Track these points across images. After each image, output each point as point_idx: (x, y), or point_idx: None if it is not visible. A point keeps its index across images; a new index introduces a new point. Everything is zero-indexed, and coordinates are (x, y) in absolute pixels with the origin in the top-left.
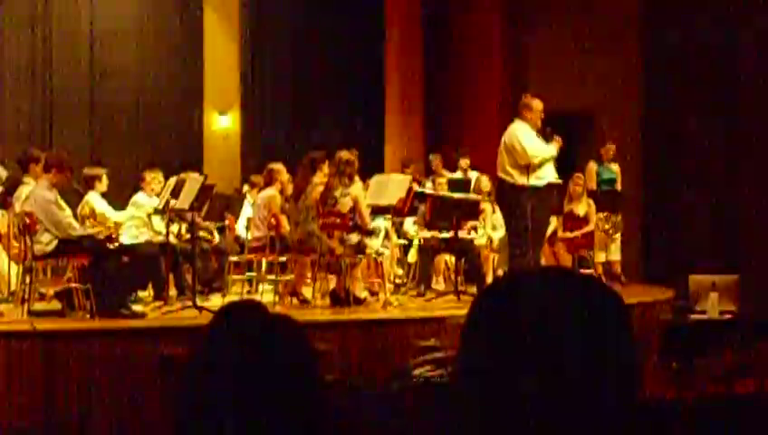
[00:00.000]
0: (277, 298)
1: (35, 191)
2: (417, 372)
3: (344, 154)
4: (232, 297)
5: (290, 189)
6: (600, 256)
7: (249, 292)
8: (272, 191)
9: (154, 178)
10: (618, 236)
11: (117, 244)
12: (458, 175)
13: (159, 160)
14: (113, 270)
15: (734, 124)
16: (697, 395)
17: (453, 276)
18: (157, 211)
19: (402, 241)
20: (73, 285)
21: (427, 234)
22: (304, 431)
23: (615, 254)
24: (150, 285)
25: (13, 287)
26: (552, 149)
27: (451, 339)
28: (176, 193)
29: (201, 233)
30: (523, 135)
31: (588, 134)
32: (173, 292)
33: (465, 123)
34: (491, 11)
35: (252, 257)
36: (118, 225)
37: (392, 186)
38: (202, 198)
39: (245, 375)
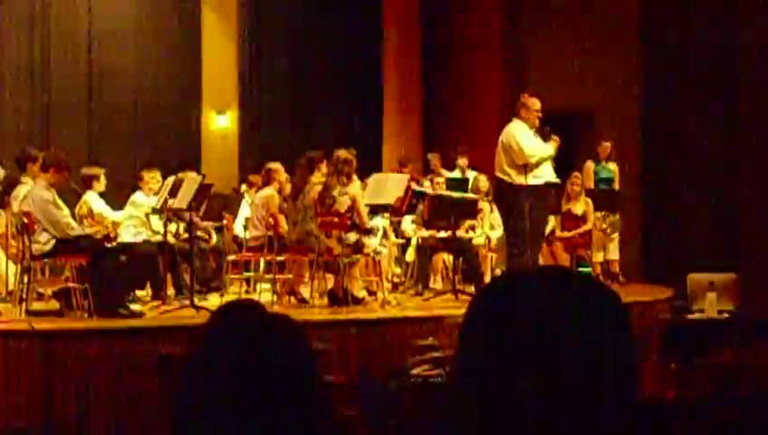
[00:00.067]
0: (275, 298)
1: (33, 191)
2: (415, 371)
3: (342, 153)
4: (230, 297)
5: (288, 189)
6: (598, 256)
7: (247, 291)
8: (270, 191)
9: (152, 177)
10: (616, 235)
11: (115, 243)
12: (456, 174)
13: (157, 160)
14: (111, 270)
15: (733, 124)
16: (696, 395)
17: (451, 276)
18: (155, 211)
19: (400, 240)
20: (71, 284)
21: (425, 233)
22: (303, 431)
23: (613, 253)
24: (148, 285)
25: (11, 287)
26: (549, 148)
27: (449, 338)
28: (174, 193)
29: (199, 232)
30: (520, 135)
31: (587, 134)
32: (171, 291)
33: (463, 123)
34: (490, 10)
35: (250, 257)
36: (116, 224)
37: (390, 185)
38: (200, 197)
39: (243, 375)
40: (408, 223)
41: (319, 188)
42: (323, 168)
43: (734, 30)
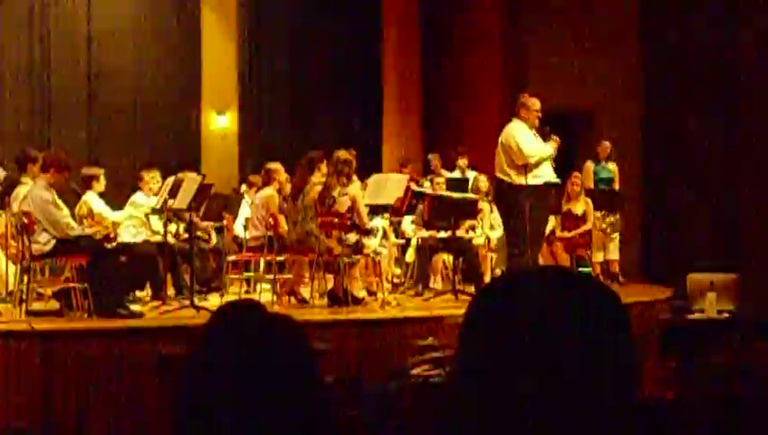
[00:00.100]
0: (275, 298)
1: (33, 191)
2: (415, 371)
3: (342, 154)
4: (230, 297)
5: (288, 189)
6: (598, 256)
7: (247, 291)
8: (270, 191)
9: (152, 177)
10: (616, 235)
11: (115, 244)
12: (456, 174)
13: (157, 160)
14: (111, 270)
15: (733, 124)
16: (696, 395)
17: (451, 276)
18: (155, 211)
19: (400, 241)
20: (71, 284)
21: (425, 233)
22: (303, 431)
23: (613, 253)
24: (148, 285)
25: (11, 287)
26: (549, 148)
27: (449, 338)
28: (173, 193)
29: (199, 233)
30: (519, 135)
31: (588, 134)
32: (171, 291)
33: (463, 123)
34: (490, 10)
35: (250, 257)
36: (115, 224)
37: (390, 185)
38: (200, 197)
39: (244, 375)
40: (407, 223)
41: (319, 188)
42: (323, 168)
43: (734, 30)
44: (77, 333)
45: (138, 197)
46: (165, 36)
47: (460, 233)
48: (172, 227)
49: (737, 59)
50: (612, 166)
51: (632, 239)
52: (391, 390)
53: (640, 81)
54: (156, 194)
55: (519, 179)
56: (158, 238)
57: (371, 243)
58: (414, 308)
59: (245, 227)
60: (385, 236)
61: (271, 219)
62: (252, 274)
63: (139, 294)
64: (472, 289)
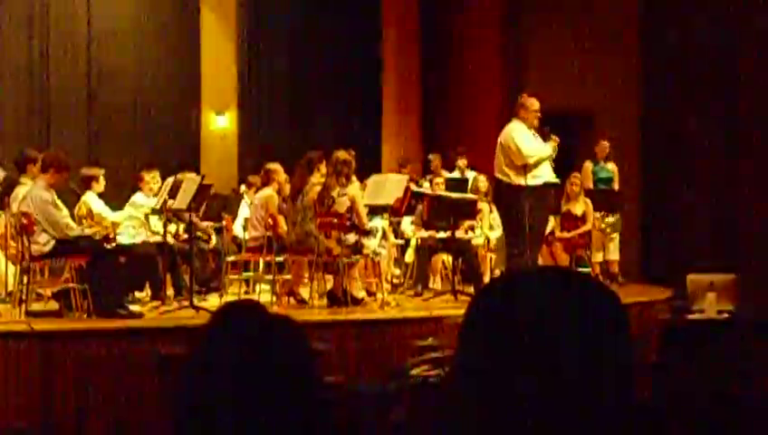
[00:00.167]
0: (274, 298)
1: (32, 192)
2: (414, 371)
3: (341, 154)
4: (229, 297)
5: (287, 189)
6: (598, 256)
7: (246, 292)
8: (269, 191)
9: (153, 177)
10: (616, 235)
11: (114, 244)
12: (456, 175)
13: (157, 160)
14: (110, 270)
15: (733, 124)
16: (695, 395)
17: (450, 276)
18: (154, 211)
19: (399, 241)
20: (71, 285)
21: (425, 234)
22: (303, 431)
23: (613, 254)
24: (148, 286)
25: (10, 288)
26: (548, 148)
27: (448, 339)
28: (173, 193)
29: (198, 233)
30: (518, 135)
31: (588, 134)
32: (170, 292)
33: (462, 123)
34: (489, 10)
35: (249, 257)
36: (115, 225)
37: (389, 186)
38: (199, 198)
39: (244, 375)
40: (407, 224)
41: (318, 188)
42: (323, 168)
43: (734, 30)
44: (76, 334)
45: (137, 197)
46: (164, 36)
47: (459, 233)
48: (172, 228)
49: (737, 59)
50: (611, 166)
51: (632, 239)
52: (391, 390)
53: (640, 81)
54: (156, 194)
55: (518, 180)
56: (158, 239)
57: (371, 243)
58: (413, 309)
59: (245, 228)
60: (384, 236)
61: (270, 220)
62: (251, 274)
63: (138, 294)
64: (471, 289)
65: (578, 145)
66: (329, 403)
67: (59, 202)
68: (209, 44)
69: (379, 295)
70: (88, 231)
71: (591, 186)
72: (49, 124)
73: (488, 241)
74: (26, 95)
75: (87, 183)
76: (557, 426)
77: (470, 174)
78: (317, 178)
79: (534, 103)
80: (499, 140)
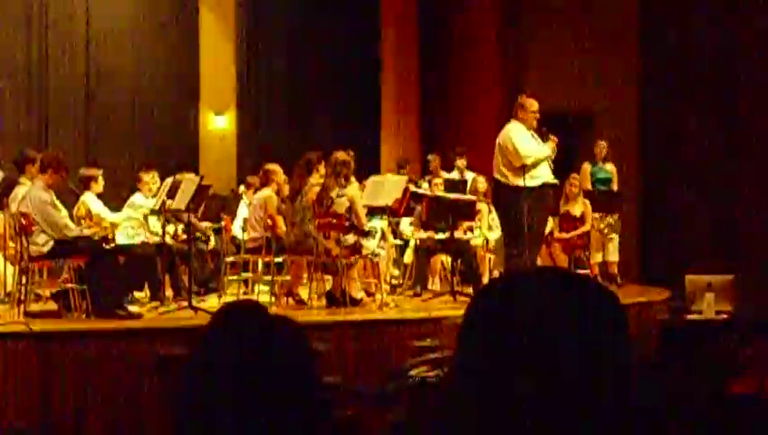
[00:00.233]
0: (273, 299)
1: (31, 192)
2: (413, 372)
3: (340, 155)
4: (228, 298)
5: (286, 190)
6: (597, 257)
7: (245, 292)
8: (268, 192)
9: (152, 178)
10: (615, 236)
11: (113, 244)
12: (455, 175)
13: (156, 161)
14: (109, 271)
15: (733, 124)
16: (694, 395)
17: (449, 277)
18: (153, 212)
19: (398, 242)
20: (69, 285)
21: (424, 234)
22: (303, 432)
23: (613, 254)
24: (146, 286)
25: (9, 288)
26: (546, 149)
27: (447, 339)
28: (172, 194)
29: (197, 234)
30: (516, 136)
31: (587, 134)
32: (169, 292)
33: (462, 124)
34: (489, 10)
35: (248, 258)
36: (114, 225)
37: (388, 186)
38: (198, 198)
39: (244, 375)
40: (406, 224)
41: (317, 189)
42: (321, 169)
43: (734, 30)
44: (75, 334)
45: (136, 198)
46: (163, 36)
47: (458, 234)
48: (170, 228)
49: (737, 59)
50: (610, 166)
51: (631, 240)
52: (389, 391)
53: (640, 81)
54: (154, 195)
55: (516, 181)
56: (157, 239)
57: (370, 244)
58: (412, 309)
59: (244, 229)
60: (383, 237)
61: (269, 220)
62: (250, 275)
63: (137, 295)
64: (470, 290)
65: (578, 145)
66: (328, 404)
67: (58, 202)
68: (208, 45)
69: (378, 296)
70: (87, 232)
71: (590, 187)
72: (47, 124)
73: (487, 242)
74: (25, 95)
75: (86, 183)
76: (556, 426)
77: (469, 175)
78: (316, 179)
79: (533, 104)
80: (497, 140)
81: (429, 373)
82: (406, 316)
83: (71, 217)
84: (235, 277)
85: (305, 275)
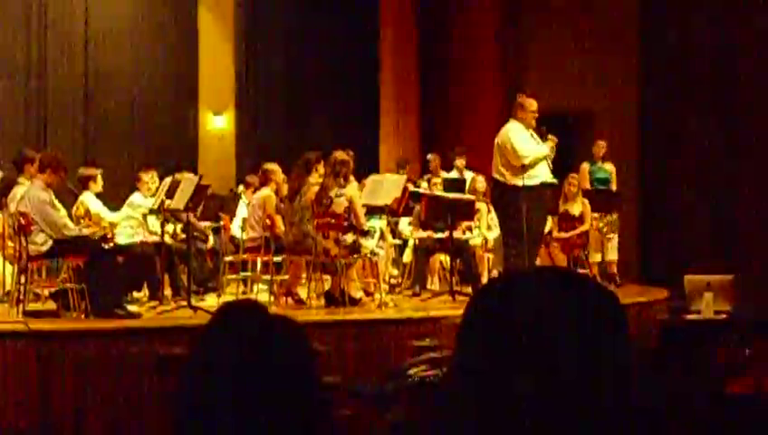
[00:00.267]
0: (272, 298)
1: (30, 192)
2: (412, 372)
3: (339, 154)
4: (227, 297)
5: (285, 190)
6: (596, 257)
7: (244, 292)
8: (267, 191)
9: (151, 178)
10: (614, 236)
11: (112, 244)
12: (454, 175)
13: (154, 161)
14: (108, 270)
15: (733, 124)
16: (694, 395)
17: (448, 277)
18: (152, 211)
19: (397, 241)
20: (68, 285)
21: (423, 234)
22: (303, 432)
23: (612, 254)
24: (145, 286)
25: (8, 288)
26: (544, 148)
27: (446, 339)
28: (171, 193)
29: (196, 233)
30: (514, 135)
31: (587, 134)
32: (168, 292)
33: (462, 123)
34: (488, 10)
35: (247, 258)
36: (112, 225)
37: (387, 186)
38: (197, 198)
39: (244, 375)
40: (405, 224)
41: (316, 189)
42: (320, 168)
43: (734, 30)
44: (74, 334)
45: (135, 197)
46: (162, 36)
47: (457, 234)
48: (169, 228)
49: (737, 59)
50: (609, 166)
51: (631, 240)
52: (388, 390)
53: (640, 81)
54: (153, 195)
55: (515, 180)
56: (156, 239)
57: (369, 244)
58: (411, 309)
59: (242, 228)
60: (382, 236)
61: (268, 220)
62: (249, 274)
63: (136, 294)
64: (469, 290)
65: (578, 145)
66: (328, 403)
67: (56, 202)
68: (207, 45)
69: (377, 296)
70: (86, 231)
71: (588, 186)
72: (46, 124)
73: (486, 241)
74: (24, 95)
75: (84, 183)
76: (555, 426)
77: (468, 174)
78: (315, 179)
79: (532, 104)
80: (496, 140)
81: (428, 373)
82: (405, 316)
83: (69, 216)
84: (233, 277)
85: (304, 275)
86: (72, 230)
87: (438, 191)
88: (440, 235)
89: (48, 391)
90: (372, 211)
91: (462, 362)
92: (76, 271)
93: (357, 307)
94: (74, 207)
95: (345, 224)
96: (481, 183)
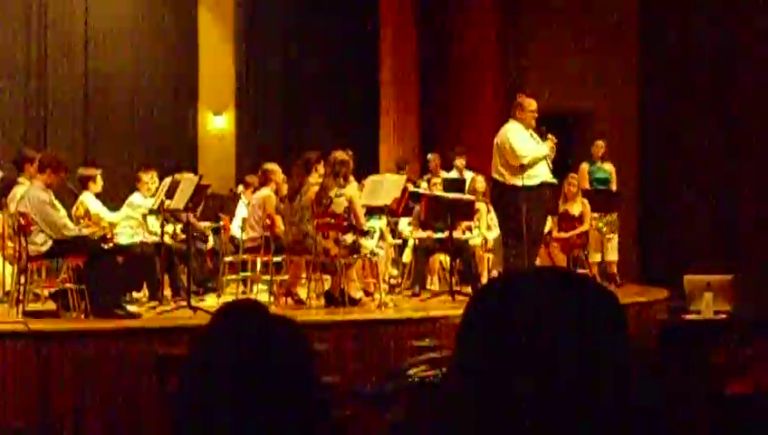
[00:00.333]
0: (272, 298)
1: (30, 192)
2: (412, 372)
3: (339, 154)
4: (227, 298)
5: (285, 190)
6: (596, 257)
7: (244, 292)
8: (266, 191)
9: (151, 178)
10: (614, 236)
11: (111, 244)
12: (454, 175)
13: (154, 161)
14: (108, 270)
15: (733, 124)
16: (693, 395)
17: (448, 277)
18: (152, 211)
19: (397, 241)
20: (68, 285)
21: (422, 234)
22: (302, 431)
23: (612, 254)
24: (145, 286)
25: (7, 288)
26: (543, 148)
27: (446, 339)
28: (170, 193)
29: (196, 233)
30: (513, 135)
31: (587, 134)
32: (168, 292)
33: (461, 123)
34: (489, 10)
35: (247, 258)
36: (112, 225)
37: (387, 186)
38: (197, 198)
39: (243, 375)
40: (404, 224)
41: (316, 189)
42: (320, 168)
43: (734, 30)
44: (74, 334)
45: (135, 197)
46: (162, 37)
47: (457, 234)
48: (169, 228)
49: (737, 59)
50: (608, 166)
51: (631, 240)
52: (388, 390)
53: (639, 80)
54: (153, 195)
55: (514, 180)
56: (155, 239)
57: (368, 244)
58: (411, 309)
59: (242, 228)
60: (382, 236)
61: (268, 220)
62: (249, 274)
63: (135, 294)
64: (469, 290)
65: (578, 145)
66: (327, 403)
67: (56, 202)
68: (207, 45)
69: (377, 296)
70: (85, 231)
71: (588, 186)
72: (46, 124)
73: (486, 241)
74: (24, 95)
75: (84, 183)
76: (555, 426)
77: (468, 174)
78: (315, 179)
79: (531, 103)
80: (495, 140)
81: (428, 373)
82: (404, 316)
83: (69, 216)
84: (233, 277)
85: (304, 275)
86: (71, 230)
87: (438, 191)
88: (440, 235)
89: (48, 392)
90: (372, 211)
91: (461, 363)
92: (76, 271)
93: (357, 307)
94: (74, 208)
95: (345, 224)
96: (481, 183)
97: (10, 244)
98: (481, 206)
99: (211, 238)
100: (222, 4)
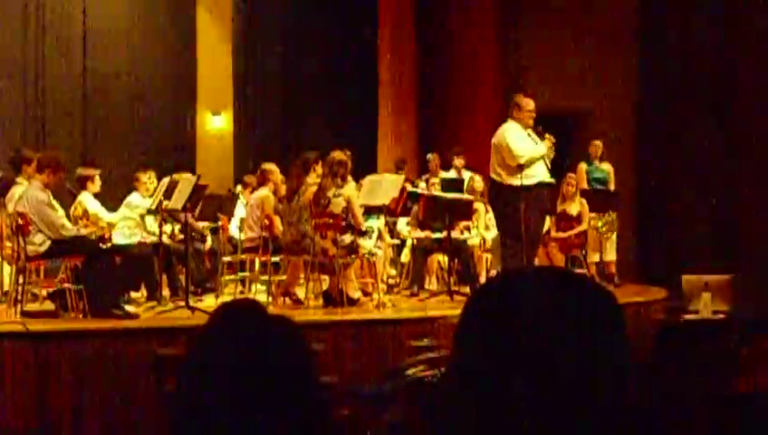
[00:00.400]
0: (270, 298)
1: (28, 192)
2: (410, 372)
3: (337, 154)
4: (225, 298)
5: (283, 190)
6: (594, 256)
7: (242, 292)
8: (265, 192)
9: (148, 178)
10: (612, 236)
11: (110, 244)
12: (452, 174)
13: (152, 161)
14: (106, 271)
15: (733, 124)
16: (691, 395)
17: (446, 277)
18: (150, 212)
19: (395, 241)
20: (66, 285)
21: (421, 234)
22: (301, 432)
23: (610, 254)
24: (143, 286)
25: (6, 288)
26: (541, 148)
27: (444, 339)
28: (169, 194)
29: (194, 233)
30: (511, 135)
31: (586, 134)
32: (166, 292)
33: (460, 123)
34: (489, 10)
35: (245, 258)
36: (110, 225)
37: (385, 186)
38: (195, 198)
39: (242, 375)
40: (403, 224)
41: (314, 189)
42: (318, 169)
43: (734, 30)
44: (72, 334)
45: (133, 197)
46: (160, 37)
47: (455, 234)
48: (167, 228)
49: (737, 59)
50: (606, 166)
51: (629, 240)
52: (386, 390)
53: (639, 80)
54: (151, 195)
55: (512, 180)
56: (154, 239)
57: (366, 244)
58: (409, 309)
59: (240, 228)
60: (380, 236)
61: (266, 220)
62: (247, 274)
63: (134, 294)
64: (467, 290)
65: (577, 145)
66: (326, 403)
67: (54, 202)
68: (205, 45)
69: (375, 296)
70: (83, 231)
71: (586, 186)
72: (44, 124)
73: (484, 241)
74: (21, 95)
75: (82, 183)
76: (554, 426)
77: (466, 174)
78: (313, 179)
79: (529, 103)
80: (493, 140)
81: (426, 373)
82: (403, 316)
83: (67, 216)
84: (231, 277)
85: (302, 275)
86: (69, 230)
87: (436, 191)
88: (438, 235)
89: (46, 392)
90: (370, 211)
91: (460, 363)
92: (74, 271)
93: (355, 307)
94: (72, 208)
95: (343, 224)
96: (479, 183)
97: (8, 244)
98: (479, 206)
99: (209, 238)
100: (220, 5)
